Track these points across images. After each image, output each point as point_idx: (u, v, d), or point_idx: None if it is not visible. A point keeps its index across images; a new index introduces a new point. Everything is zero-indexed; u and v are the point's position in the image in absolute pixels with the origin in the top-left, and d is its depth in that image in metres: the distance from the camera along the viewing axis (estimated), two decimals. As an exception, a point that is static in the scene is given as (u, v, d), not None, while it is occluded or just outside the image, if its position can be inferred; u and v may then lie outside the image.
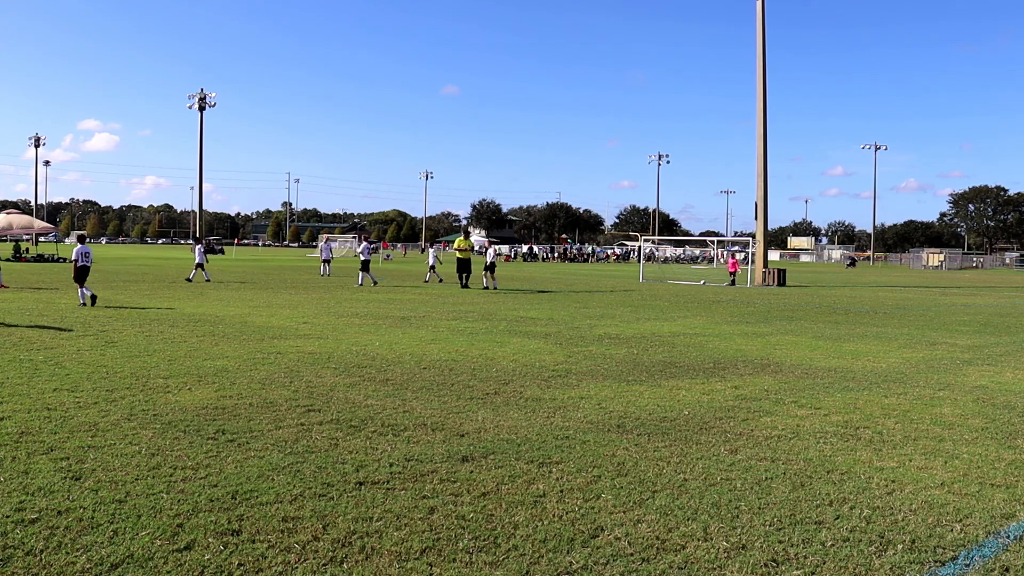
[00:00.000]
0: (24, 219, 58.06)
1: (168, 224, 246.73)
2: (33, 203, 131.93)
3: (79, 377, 10.54)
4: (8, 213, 58.64)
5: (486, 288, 31.89)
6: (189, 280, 32.51)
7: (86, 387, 9.90)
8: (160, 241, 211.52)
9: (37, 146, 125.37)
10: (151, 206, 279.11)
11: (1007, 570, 5.05)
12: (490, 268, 33.11)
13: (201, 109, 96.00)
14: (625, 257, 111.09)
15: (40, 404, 8.89)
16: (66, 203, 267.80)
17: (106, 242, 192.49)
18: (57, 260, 51.97)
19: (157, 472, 6.53)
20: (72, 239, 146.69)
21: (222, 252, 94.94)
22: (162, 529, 5.33)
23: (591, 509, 5.94)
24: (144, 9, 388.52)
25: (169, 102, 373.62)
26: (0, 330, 15.19)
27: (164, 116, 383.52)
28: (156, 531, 5.30)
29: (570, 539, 5.36)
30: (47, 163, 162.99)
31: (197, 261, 34.07)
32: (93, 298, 20.72)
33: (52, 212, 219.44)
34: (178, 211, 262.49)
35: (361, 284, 32.48)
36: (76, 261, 21.81)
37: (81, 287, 21.04)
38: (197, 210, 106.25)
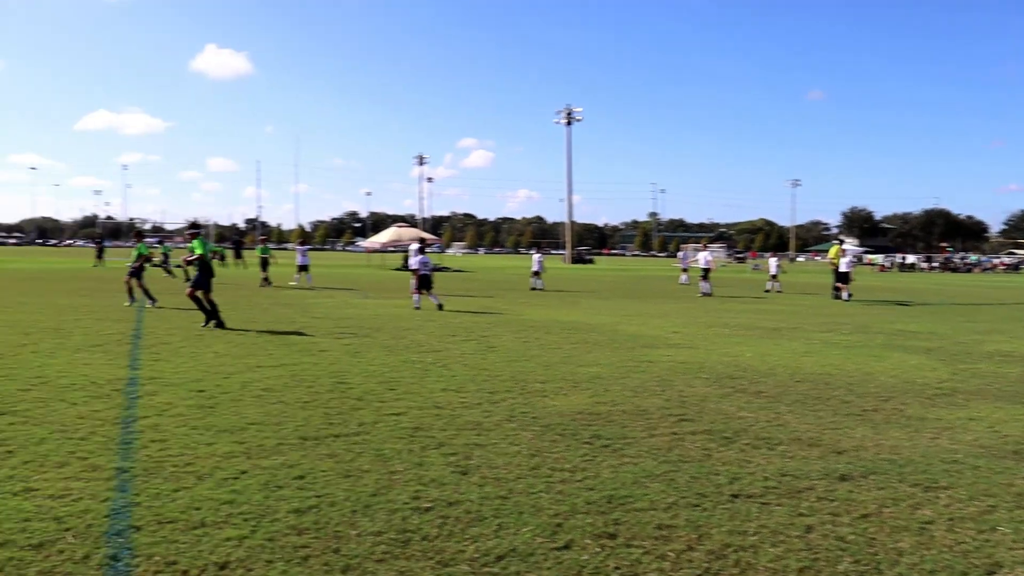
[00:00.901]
0: (412, 232, 62.94)
1: (539, 235, 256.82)
2: (419, 217, 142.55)
3: (464, 379, 11.21)
4: (399, 227, 63.94)
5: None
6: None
7: (470, 388, 10.51)
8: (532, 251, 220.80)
9: (421, 164, 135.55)
10: (523, 218, 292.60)
11: None
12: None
13: (568, 124, 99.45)
14: (1015, 267, 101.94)
15: (431, 403, 9.56)
16: (447, 216, 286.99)
17: (483, 252, 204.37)
18: (442, 269, 55.79)
19: (537, 472, 6.80)
20: (452, 250, 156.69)
21: (591, 262, 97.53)
22: (542, 527, 5.53)
23: (986, 542, 5.48)
24: (513, 32, 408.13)
25: (539, 119, 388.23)
26: (397, 333, 16.51)
27: (535, 132, 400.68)
28: (537, 528, 5.51)
29: (963, 573, 4.98)
30: (430, 180, 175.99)
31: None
32: (440, 306, 22.06)
33: (435, 225, 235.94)
34: (548, 222, 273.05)
35: (706, 293, 31.88)
36: (417, 270, 23.05)
37: (420, 293, 22.55)
38: (567, 221, 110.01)
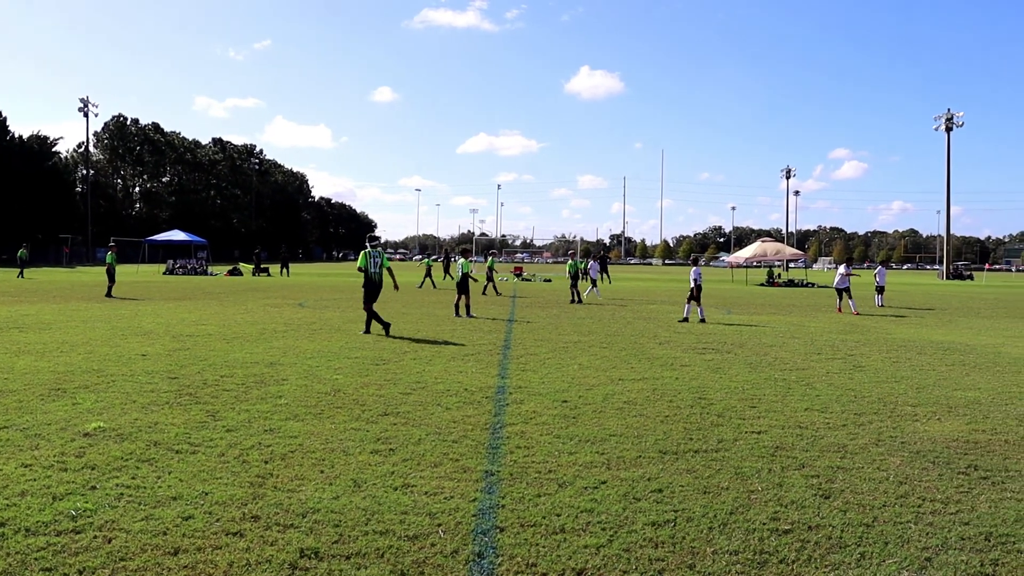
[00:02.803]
0: (776, 246, 61.69)
1: (913, 249, 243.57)
2: (784, 231, 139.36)
3: (828, 399, 10.81)
4: (763, 241, 62.83)
5: None
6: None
7: (835, 409, 10.12)
8: (905, 267, 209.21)
9: (788, 177, 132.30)
10: (896, 231, 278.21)
11: None
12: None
13: (948, 130, 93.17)
14: None
15: (793, 422, 9.31)
16: (814, 230, 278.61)
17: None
18: (805, 285, 54.19)
19: (905, 501, 6.42)
20: (819, 265, 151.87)
21: (970, 277, 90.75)
22: (909, 560, 5.22)
23: None
24: (890, 35, 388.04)
25: (919, 126, 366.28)
26: (760, 350, 16.24)
27: (914, 140, 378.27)
28: (903, 561, 5.20)
29: None
30: (797, 193, 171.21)
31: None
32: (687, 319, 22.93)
33: (801, 239, 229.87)
34: (923, 236, 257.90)
35: None
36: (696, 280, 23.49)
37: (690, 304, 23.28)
38: (943, 234, 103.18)
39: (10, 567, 4.91)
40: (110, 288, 30.94)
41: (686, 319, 22.92)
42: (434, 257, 63.05)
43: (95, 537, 5.37)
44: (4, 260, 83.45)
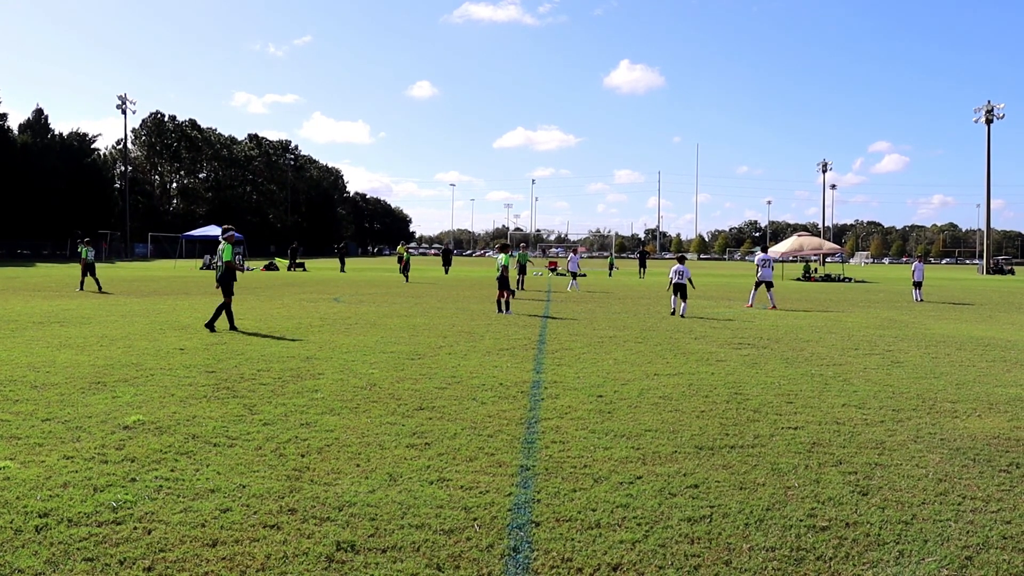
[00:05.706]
0: (814, 241, 61.22)
1: (952, 243, 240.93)
2: (821, 225, 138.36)
3: (866, 395, 10.71)
4: (800, 235, 62.39)
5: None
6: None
7: (873, 405, 10.03)
8: (944, 261, 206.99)
9: (825, 171, 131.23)
10: (934, 225, 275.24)
11: None
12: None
13: (988, 122, 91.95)
14: None
15: (830, 418, 9.23)
16: (851, 224, 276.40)
17: (888, 262, 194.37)
18: (842, 280, 53.82)
19: (945, 499, 6.35)
20: (856, 259, 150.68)
21: (1011, 272, 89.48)
22: (949, 559, 5.16)
23: None
24: (935, 25, 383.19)
25: (964, 119, 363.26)
26: (796, 345, 16.13)
27: (958, 133, 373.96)
28: (943, 560, 5.15)
29: None
30: (833, 187, 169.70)
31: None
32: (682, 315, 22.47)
33: (838, 234, 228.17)
34: (962, 230, 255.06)
35: None
36: (671, 279, 23.42)
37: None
38: (982, 227, 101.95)
39: (53, 556, 4.98)
40: (82, 282, 30.60)
41: (673, 312, 22.94)
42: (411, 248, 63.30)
43: (135, 528, 5.44)
44: (45, 256, 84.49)
